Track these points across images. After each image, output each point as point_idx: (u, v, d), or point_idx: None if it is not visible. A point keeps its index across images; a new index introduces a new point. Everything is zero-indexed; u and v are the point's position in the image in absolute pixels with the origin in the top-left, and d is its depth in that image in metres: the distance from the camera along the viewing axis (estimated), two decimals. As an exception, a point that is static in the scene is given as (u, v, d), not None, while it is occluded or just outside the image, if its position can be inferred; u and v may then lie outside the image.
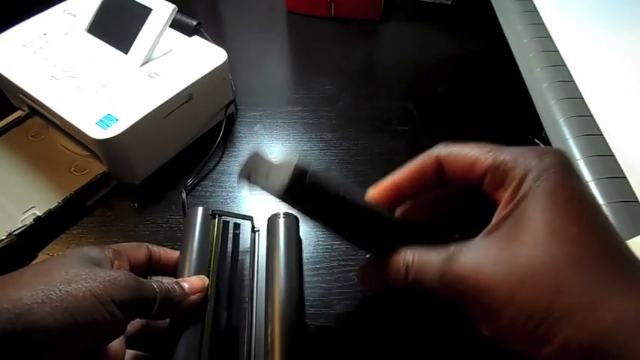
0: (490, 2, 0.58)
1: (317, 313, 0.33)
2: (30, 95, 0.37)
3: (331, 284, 0.34)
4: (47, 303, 0.21)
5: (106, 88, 0.38)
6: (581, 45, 0.47)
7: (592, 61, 0.45)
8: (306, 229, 0.37)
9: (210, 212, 0.32)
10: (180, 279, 0.28)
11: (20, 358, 0.20)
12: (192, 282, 0.28)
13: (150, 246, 0.30)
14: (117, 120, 0.35)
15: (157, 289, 0.25)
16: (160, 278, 0.30)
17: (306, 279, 0.35)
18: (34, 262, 0.35)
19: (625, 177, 0.36)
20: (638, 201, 0.35)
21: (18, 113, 0.42)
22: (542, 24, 0.50)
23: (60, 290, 0.21)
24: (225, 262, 0.32)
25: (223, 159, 0.43)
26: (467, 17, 0.58)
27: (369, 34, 0.56)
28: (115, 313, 0.22)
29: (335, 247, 0.36)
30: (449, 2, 0.59)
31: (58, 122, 0.38)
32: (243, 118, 0.46)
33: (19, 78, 0.38)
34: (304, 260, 0.36)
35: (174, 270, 0.30)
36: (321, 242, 0.37)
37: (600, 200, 0.35)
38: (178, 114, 0.39)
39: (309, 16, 0.57)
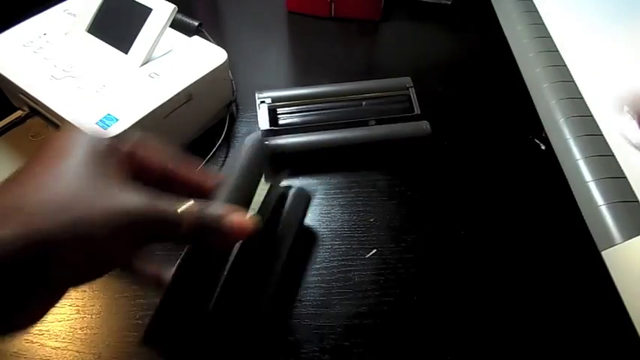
0: (490, 2, 0.58)
1: (317, 314, 0.33)
2: (30, 95, 0.37)
3: (331, 284, 0.34)
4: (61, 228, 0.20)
5: (106, 88, 0.38)
6: (581, 45, 0.47)
7: (592, 62, 0.45)
8: (307, 229, 0.37)
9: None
10: (231, 213, 0.24)
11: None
12: (243, 222, 0.24)
13: (172, 162, 0.25)
14: (117, 120, 0.35)
15: (182, 222, 0.22)
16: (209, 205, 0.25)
17: (306, 279, 0.35)
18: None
19: (625, 177, 0.36)
20: (638, 201, 0.35)
21: (18, 113, 0.42)
22: (542, 24, 0.50)
23: (74, 218, 0.20)
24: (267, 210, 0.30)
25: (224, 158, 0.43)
26: (467, 17, 0.58)
27: (369, 34, 0.56)
28: (129, 247, 0.22)
29: (335, 247, 0.37)
30: (449, 2, 0.59)
31: (58, 122, 0.38)
32: (243, 118, 0.46)
33: (19, 78, 0.38)
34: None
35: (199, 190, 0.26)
36: (320, 242, 0.37)
37: (600, 200, 0.35)
38: (178, 114, 0.39)
39: (309, 16, 0.57)
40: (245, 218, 0.25)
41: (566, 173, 0.40)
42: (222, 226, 0.24)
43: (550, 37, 0.49)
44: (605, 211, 0.35)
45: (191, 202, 0.23)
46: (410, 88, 0.44)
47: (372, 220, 0.38)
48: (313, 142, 0.41)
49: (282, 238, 0.30)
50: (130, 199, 0.22)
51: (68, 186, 0.21)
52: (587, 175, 0.37)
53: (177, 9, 0.40)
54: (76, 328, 0.32)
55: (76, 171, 0.21)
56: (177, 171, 0.26)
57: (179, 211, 0.23)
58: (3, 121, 0.42)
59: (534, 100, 0.46)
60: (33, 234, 0.19)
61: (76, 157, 0.22)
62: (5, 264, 0.18)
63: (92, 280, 0.22)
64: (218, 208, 0.24)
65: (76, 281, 0.22)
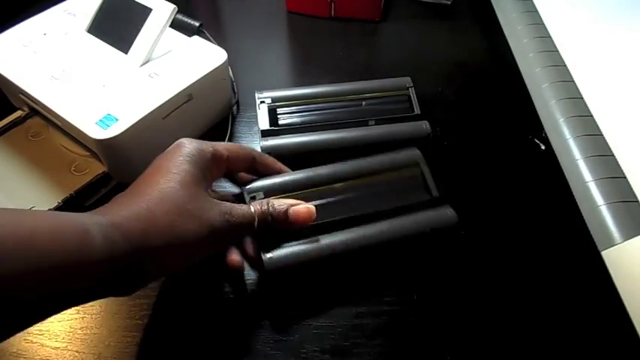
0: (490, 2, 0.58)
1: (317, 313, 0.33)
2: (30, 95, 0.37)
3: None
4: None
5: (106, 88, 0.38)
6: (581, 45, 0.47)
7: (592, 61, 0.45)
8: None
9: None
10: (291, 206, 0.31)
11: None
12: (300, 214, 0.31)
13: (256, 157, 0.34)
14: (117, 120, 0.35)
15: (256, 222, 0.30)
16: (274, 202, 0.31)
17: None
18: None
19: (625, 177, 0.36)
20: (638, 201, 0.35)
21: (18, 113, 0.42)
22: (542, 24, 0.50)
23: (175, 232, 0.26)
24: None
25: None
26: (467, 17, 0.58)
27: (369, 34, 0.56)
28: (213, 248, 0.30)
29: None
30: (449, 2, 0.59)
31: (58, 122, 0.38)
32: (243, 118, 0.46)
33: (19, 78, 0.38)
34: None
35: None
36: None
37: (600, 200, 0.35)
38: (178, 114, 0.39)
39: (309, 16, 0.57)
40: (307, 208, 0.31)
41: (566, 173, 0.40)
42: (288, 218, 0.31)
43: (550, 37, 0.49)
44: (605, 211, 0.35)
45: (261, 201, 0.31)
46: (410, 88, 0.45)
47: (372, 220, 0.38)
48: (313, 142, 0.41)
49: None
50: (214, 215, 0.28)
51: (176, 205, 0.26)
52: (587, 175, 0.37)
53: (177, 9, 0.40)
54: (75, 328, 0.32)
55: (182, 194, 0.27)
56: (260, 166, 0.35)
57: (252, 210, 0.30)
58: (3, 121, 0.42)
59: (534, 100, 0.46)
60: (140, 244, 0.25)
61: (185, 174, 0.28)
62: (114, 268, 0.24)
63: (177, 272, 0.30)
64: (283, 202, 0.31)
65: (164, 274, 0.32)
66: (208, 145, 0.31)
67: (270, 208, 0.30)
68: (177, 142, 0.30)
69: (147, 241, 0.25)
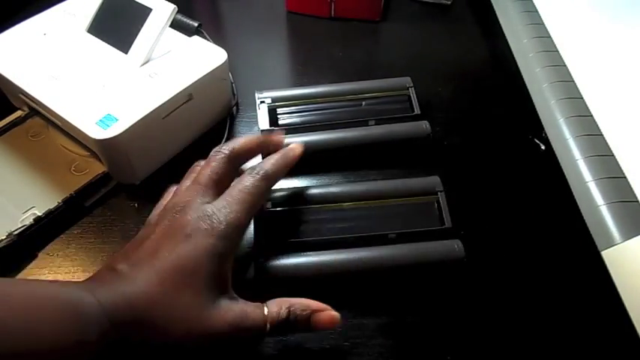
0: (490, 2, 0.58)
1: (317, 313, 0.33)
2: (30, 95, 0.37)
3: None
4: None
5: (106, 88, 0.38)
6: (581, 45, 0.47)
7: (592, 61, 0.45)
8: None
9: None
10: (314, 312, 0.28)
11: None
12: (322, 322, 0.28)
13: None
14: (117, 120, 0.35)
15: (268, 327, 0.27)
16: (297, 306, 0.29)
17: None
18: (33, 263, 0.35)
19: (625, 177, 0.36)
20: (638, 201, 0.35)
21: (18, 113, 0.42)
22: (542, 24, 0.50)
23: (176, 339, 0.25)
24: None
25: (223, 159, 0.43)
26: (467, 17, 0.58)
27: (369, 34, 0.56)
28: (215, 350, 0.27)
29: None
30: (449, 2, 0.59)
31: (58, 122, 0.38)
32: (243, 118, 0.46)
33: (19, 78, 0.38)
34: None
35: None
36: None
37: (600, 200, 0.35)
38: (178, 114, 0.39)
39: (309, 16, 0.57)
40: (331, 317, 0.28)
41: (566, 173, 0.40)
42: (310, 325, 0.28)
43: (550, 37, 0.49)
44: (605, 211, 0.35)
45: (279, 304, 0.28)
46: (410, 88, 0.45)
47: (372, 220, 0.38)
48: (313, 142, 0.41)
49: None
50: (220, 323, 0.26)
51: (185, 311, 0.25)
52: (587, 175, 0.37)
53: (177, 9, 0.40)
54: (75, 328, 0.32)
55: (201, 313, 0.26)
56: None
57: (265, 314, 0.27)
58: (3, 121, 0.42)
59: (534, 100, 0.46)
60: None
61: (209, 280, 0.26)
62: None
63: None
64: (307, 306, 0.28)
65: None
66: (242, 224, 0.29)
67: (292, 316, 0.28)
68: (210, 242, 0.27)
69: (144, 344, 0.25)
